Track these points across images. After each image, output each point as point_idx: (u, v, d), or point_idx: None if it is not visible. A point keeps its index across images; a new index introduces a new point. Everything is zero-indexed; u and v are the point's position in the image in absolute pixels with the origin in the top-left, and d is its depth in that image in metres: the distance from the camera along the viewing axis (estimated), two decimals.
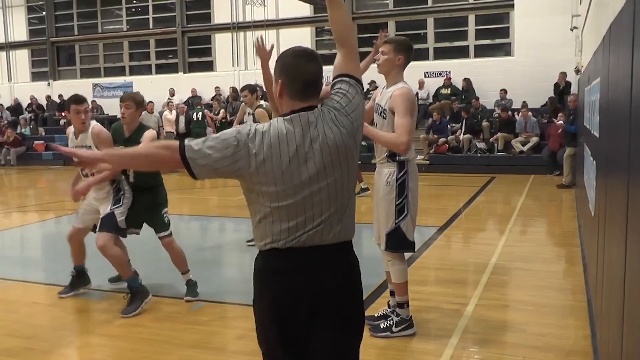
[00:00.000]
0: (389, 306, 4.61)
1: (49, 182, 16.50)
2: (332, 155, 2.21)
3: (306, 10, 18.59)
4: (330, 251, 2.27)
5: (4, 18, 23.83)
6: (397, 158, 4.22)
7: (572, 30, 12.97)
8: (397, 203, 4.21)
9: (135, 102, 5.21)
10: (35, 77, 24.02)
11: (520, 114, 15.12)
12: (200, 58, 21.46)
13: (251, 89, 7.77)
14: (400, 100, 4.08)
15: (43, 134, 20.79)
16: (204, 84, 20.02)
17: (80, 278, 5.59)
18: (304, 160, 2.18)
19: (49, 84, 23.16)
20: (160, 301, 5.33)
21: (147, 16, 22.33)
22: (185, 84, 20.45)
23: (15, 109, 22.81)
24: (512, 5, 17.04)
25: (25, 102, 22.94)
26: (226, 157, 2.16)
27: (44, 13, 23.71)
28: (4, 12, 23.85)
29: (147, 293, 5.15)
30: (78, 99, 5.15)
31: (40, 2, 23.75)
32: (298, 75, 2.25)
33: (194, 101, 19.29)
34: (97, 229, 5.15)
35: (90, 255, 5.58)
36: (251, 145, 2.16)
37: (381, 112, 4.25)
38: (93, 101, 21.34)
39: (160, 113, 18.45)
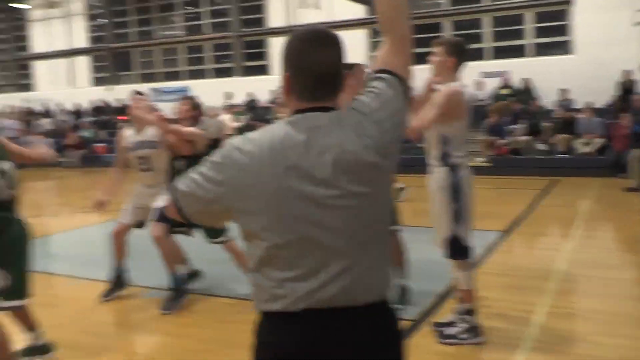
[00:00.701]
0: (455, 312, 4.50)
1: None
2: (349, 175, 1.60)
3: (361, 11, 18.53)
4: (362, 315, 1.65)
5: (66, 26, 24.69)
6: (448, 162, 4.10)
7: (635, 25, 12.50)
8: (452, 209, 4.09)
9: (192, 104, 5.59)
10: (96, 82, 24.78)
11: (582, 114, 14.65)
12: (255, 62, 21.66)
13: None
14: (439, 95, 4.00)
15: (104, 136, 21.41)
16: (259, 88, 20.20)
17: (121, 279, 5.65)
18: (306, 179, 1.59)
19: (108, 89, 23.82)
20: (218, 301, 5.44)
21: (202, 22, 22.72)
22: (241, 87, 20.66)
23: (77, 113, 23.55)
24: (571, 1, 16.54)
25: (86, 107, 23.66)
26: (210, 180, 1.66)
27: (104, 21, 24.42)
28: (66, 21, 24.69)
29: (186, 292, 5.31)
30: (139, 92, 5.74)
31: (100, 11, 24.51)
32: (306, 67, 1.67)
33: (249, 105, 19.54)
34: (154, 219, 5.24)
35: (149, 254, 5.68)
36: (238, 158, 1.63)
37: None
38: (151, 105, 21.81)
39: (215, 117, 18.69)
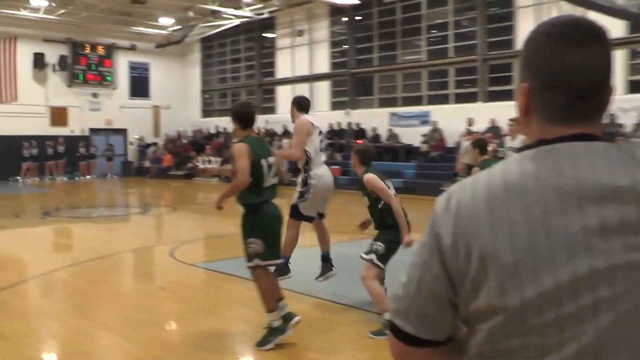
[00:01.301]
0: None
1: (342, 205, 16.59)
2: (627, 237, 0.98)
3: (619, 29, 15.92)
4: None
5: (309, 53, 25.57)
6: None
7: None
8: None
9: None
10: (335, 106, 25.16)
11: None
12: (501, 87, 20.00)
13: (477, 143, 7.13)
14: None
15: (339, 159, 21.36)
16: (503, 114, 18.56)
17: (325, 264, 6.61)
18: (561, 242, 0.99)
19: (347, 113, 23.90)
20: None
21: (447, 45, 21.76)
22: (483, 113, 19.17)
23: None
24: None
25: (324, 130, 24.01)
26: (427, 269, 1.13)
27: (346, 47, 24.74)
28: (310, 48, 25.58)
29: (287, 271, 6.18)
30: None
31: (343, 37, 24.96)
32: (557, 74, 1.08)
33: (491, 131, 18.05)
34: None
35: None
36: (454, 219, 1.08)
37: None
38: (389, 129, 21.43)
39: (457, 143, 17.49)
